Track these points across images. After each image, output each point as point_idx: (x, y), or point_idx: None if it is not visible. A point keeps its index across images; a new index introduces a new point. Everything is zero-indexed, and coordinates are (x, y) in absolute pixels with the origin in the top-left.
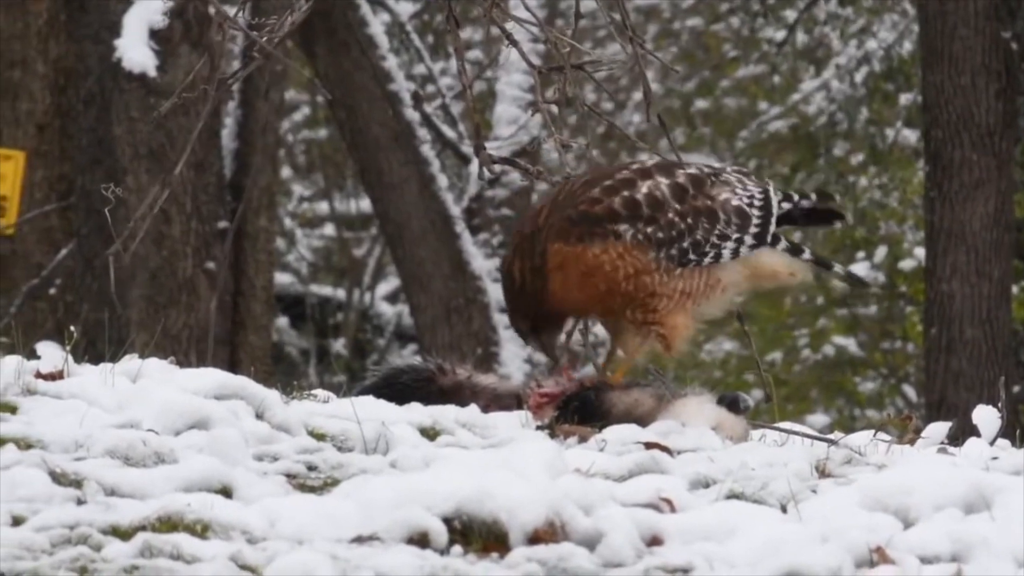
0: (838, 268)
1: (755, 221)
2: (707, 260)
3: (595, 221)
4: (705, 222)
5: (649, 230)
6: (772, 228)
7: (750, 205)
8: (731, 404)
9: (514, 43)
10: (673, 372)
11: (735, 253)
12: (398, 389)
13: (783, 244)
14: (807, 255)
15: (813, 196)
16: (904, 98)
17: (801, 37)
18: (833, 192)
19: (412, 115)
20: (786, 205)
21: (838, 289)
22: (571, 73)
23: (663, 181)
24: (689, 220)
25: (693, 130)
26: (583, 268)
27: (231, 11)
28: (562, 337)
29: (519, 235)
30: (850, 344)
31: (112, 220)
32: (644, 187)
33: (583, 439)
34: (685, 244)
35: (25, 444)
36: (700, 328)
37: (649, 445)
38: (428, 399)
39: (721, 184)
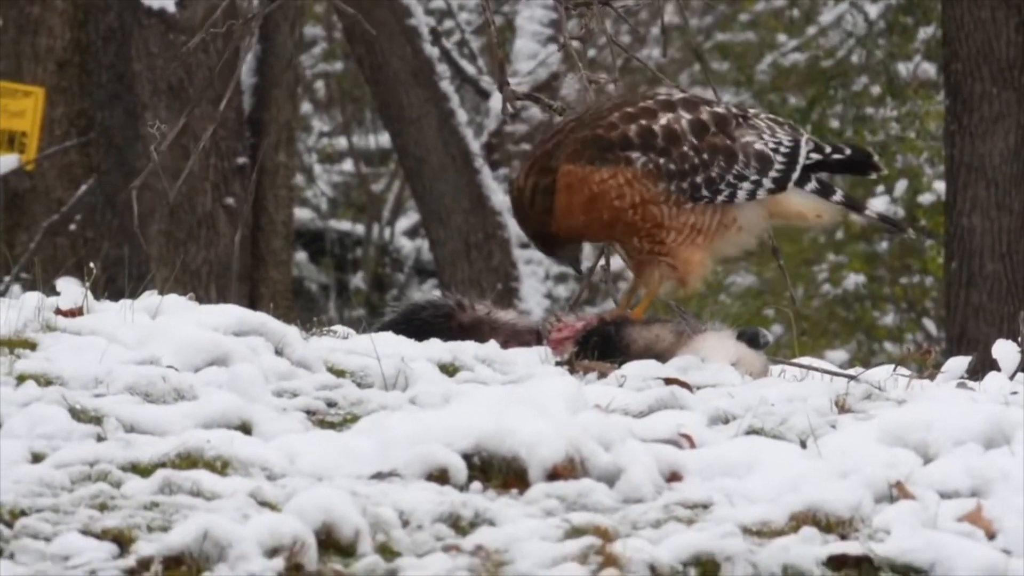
0: (870, 211)
1: (777, 167)
2: (720, 198)
3: (607, 146)
4: (722, 160)
5: (661, 161)
6: (795, 176)
7: (775, 151)
8: (751, 340)
9: None
10: (694, 307)
11: (751, 195)
12: (417, 325)
13: (812, 185)
14: (838, 196)
15: (848, 150)
16: (923, 32)
17: None
18: (851, 126)
19: (431, 50)
20: (815, 156)
21: (858, 224)
22: (598, 9)
23: (684, 116)
24: (705, 156)
25: (702, 62)
26: (589, 191)
27: None
28: (582, 255)
29: (534, 154)
30: (865, 279)
31: (135, 156)
32: (664, 119)
33: (603, 375)
34: (698, 179)
35: (45, 380)
36: (722, 263)
37: (669, 381)
38: (447, 335)
39: (748, 127)
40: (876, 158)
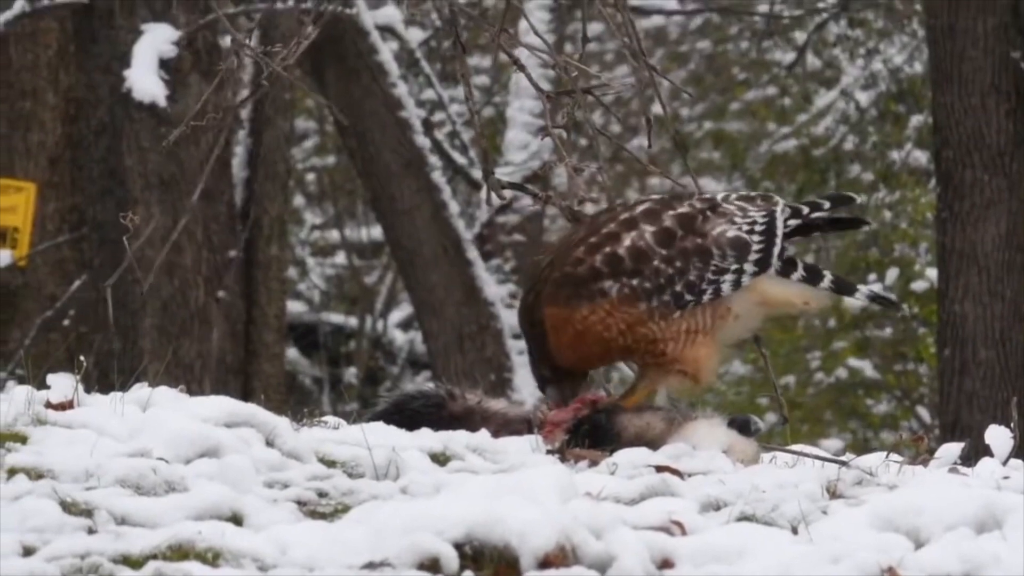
0: (861, 292)
1: (755, 248)
2: (707, 297)
3: (579, 283)
4: (697, 262)
5: (635, 282)
6: (776, 250)
7: (750, 232)
8: (742, 427)
9: (522, 68)
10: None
11: (736, 284)
12: (408, 415)
13: (799, 273)
14: (826, 282)
15: (827, 204)
16: (915, 119)
17: (811, 59)
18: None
19: (423, 142)
20: (793, 221)
21: (851, 312)
22: (580, 97)
23: (648, 229)
24: (678, 264)
25: (685, 152)
26: (575, 330)
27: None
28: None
29: (525, 299)
30: (864, 367)
31: (127, 249)
32: (627, 240)
33: (594, 463)
34: (678, 288)
35: (36, 474)
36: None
37: (660, 468)
38: (439, 425)
39: (717, 216)
40: (859, 200)
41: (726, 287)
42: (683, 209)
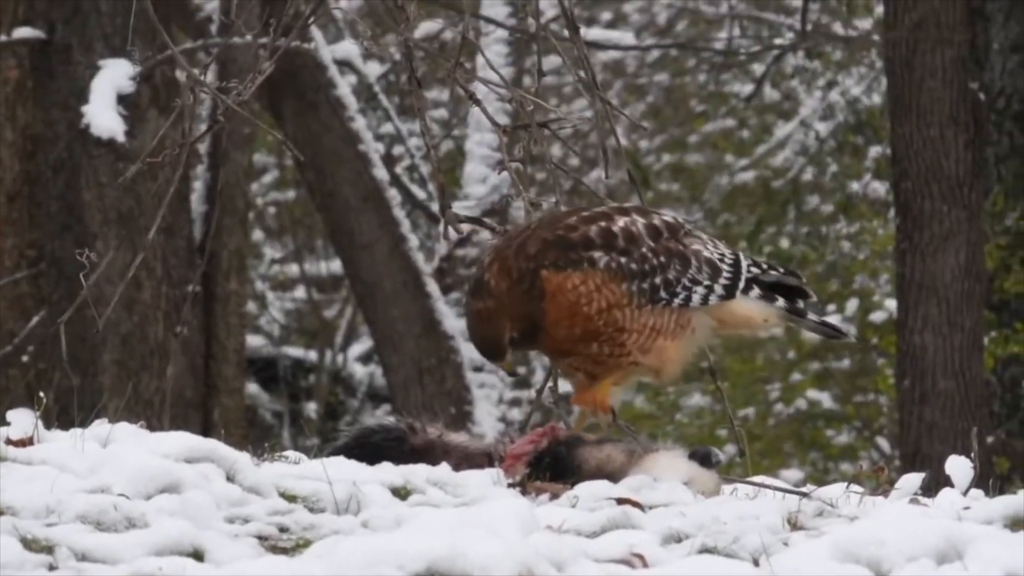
0: (812, 318)
1: (725, 274)
2: (677, 301)
3: (570, 247)
4: (677, 264)
5: (623, 260)
6: (741, 285)
7: (721, 260)
8: (703, 459)
9: (477, 102)
10: (649, 427)
11: (704, 300)
12: (369, 449)
13: (756, 291)
14: (780, 303)
15: (781, 270)
16: (873, 150)
17: (769, 91)
18: (804, 245)
19: (382, 175)
20: (754, 270)
21: (810, 342)
22: (536, 131)
23: (639, 220)
24: (662, 258)
25: (647, 187)
26: (568, 300)
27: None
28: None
29: (502, 249)
30: (823, 398)
31: (84, 286)
32: (621, 222)
33: (555, 496)
34: (657, 280)
35: None
36: (672, 384)
37: (621, 500)
38: (399, 458)
39: (694, 236)
40: (804, 281)
41: (696, 299)
42: (668, 218)
